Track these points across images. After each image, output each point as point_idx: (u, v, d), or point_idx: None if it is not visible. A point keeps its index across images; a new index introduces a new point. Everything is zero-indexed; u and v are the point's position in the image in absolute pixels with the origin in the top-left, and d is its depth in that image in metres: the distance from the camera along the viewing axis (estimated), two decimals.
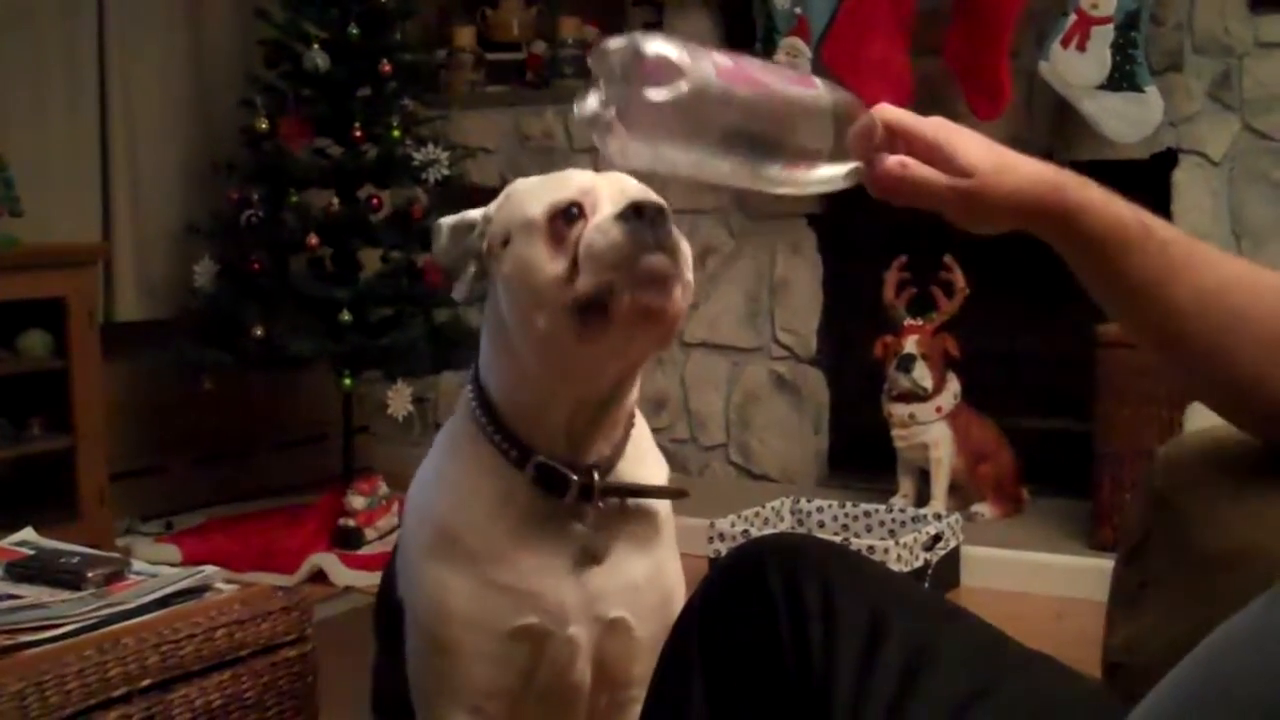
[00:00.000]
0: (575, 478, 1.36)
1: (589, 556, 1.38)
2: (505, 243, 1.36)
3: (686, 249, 1.34)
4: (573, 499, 1.36)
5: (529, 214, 1.33)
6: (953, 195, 1.13)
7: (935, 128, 1.15)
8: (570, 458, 1.37)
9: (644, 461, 1.45)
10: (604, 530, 1.39)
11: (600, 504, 1.38)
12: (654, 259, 1.28)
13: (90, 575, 1.47)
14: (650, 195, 1.35)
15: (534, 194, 1.36)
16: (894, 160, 1.14)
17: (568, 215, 1.31)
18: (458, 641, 1.36)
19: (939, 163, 1.14)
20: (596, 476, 1.37)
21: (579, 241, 1.29)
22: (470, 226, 1.40)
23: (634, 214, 1.28)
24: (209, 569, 1.54)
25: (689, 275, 1.33)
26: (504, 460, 1.37)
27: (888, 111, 1.15)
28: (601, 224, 1.29)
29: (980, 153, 1.14)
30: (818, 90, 1.13)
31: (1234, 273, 1.12)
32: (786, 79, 1.12)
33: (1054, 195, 1.14)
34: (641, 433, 1.47)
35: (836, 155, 1.15)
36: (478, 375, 1.43)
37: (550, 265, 1.30)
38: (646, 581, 1.42)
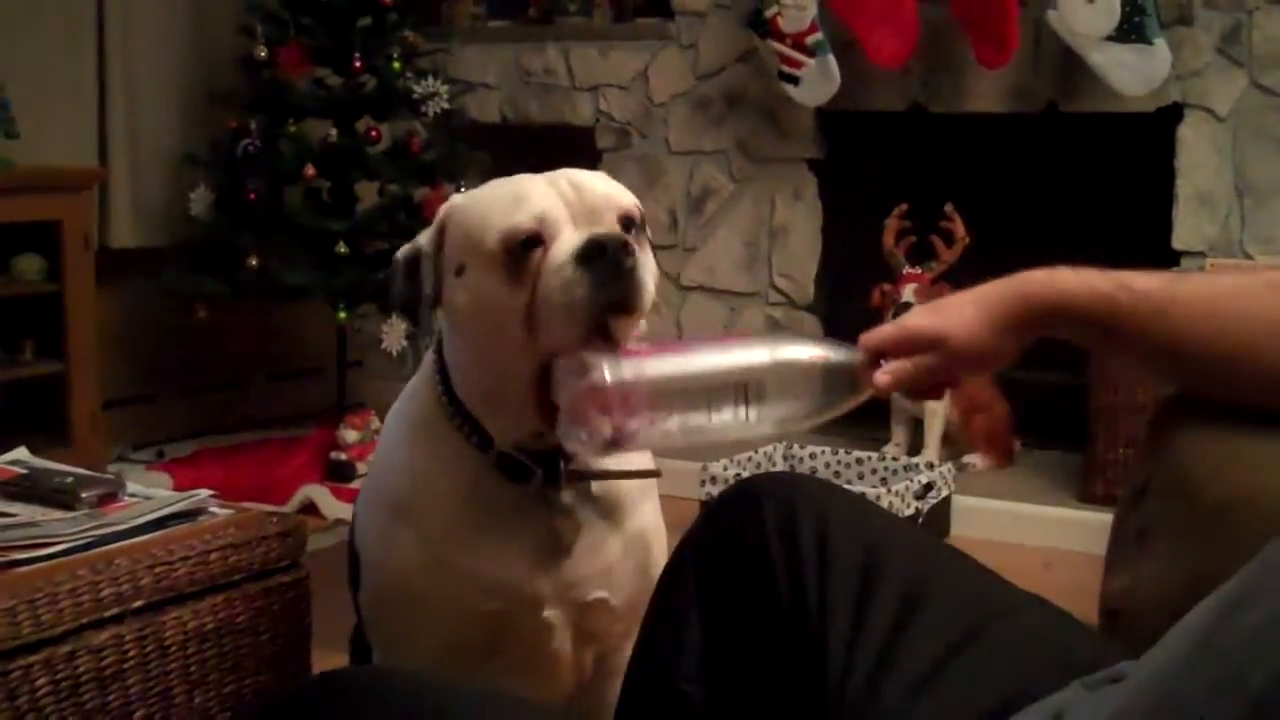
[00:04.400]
0: (539, 469, 1.31)
1: (559, 544, 1.34)
2: (459, 271, 1.27)
3: (648, 269, 1.25)
4: (537, 487, 1.31)
5: (484, 245, 1.24)
6: (944, 363, 1.19)
7: (898, 329, 1.22)
8: (537, 445, 1.31)
9: None
10: (572, 517, 1.34)
11: (567, 492, 1.33)
12: (618, 324, 1.20)
13: (84, 495, 1.47)
14: (610, 223, 1.26)
15: (486, 220, 1.25)
16: (881, 374, 1.20)
17: (526, 244, 1.23)
18: (417, 617, 1.34)
19: (921, 349, 1.20)
20: (563, 465, 1.31)
21: (539, 272, 1.21)
22: (418, 256, 1.31)
23: (596, 252, 1.20)
24: (203, 493, 1.53)
25: (650, 293, 1.25)
26: (469, 447, 1.32)
27: (863, 342, 1.23)
28: (562, 267, 1.20)
29: (939, 320, 1.20)
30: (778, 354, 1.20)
31: (1221, 287, 1.15)
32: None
33: (1025, 309, 1.18)
34: None
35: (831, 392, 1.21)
36: (441, 358, 1.36)
37: (509, 301, 1.22)
38: (622, 557, 1.39)
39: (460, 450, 1.32)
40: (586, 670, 1.44)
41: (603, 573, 1.37)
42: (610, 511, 1.38)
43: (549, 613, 1.35)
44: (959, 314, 1.19)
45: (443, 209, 1.32)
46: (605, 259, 1.20)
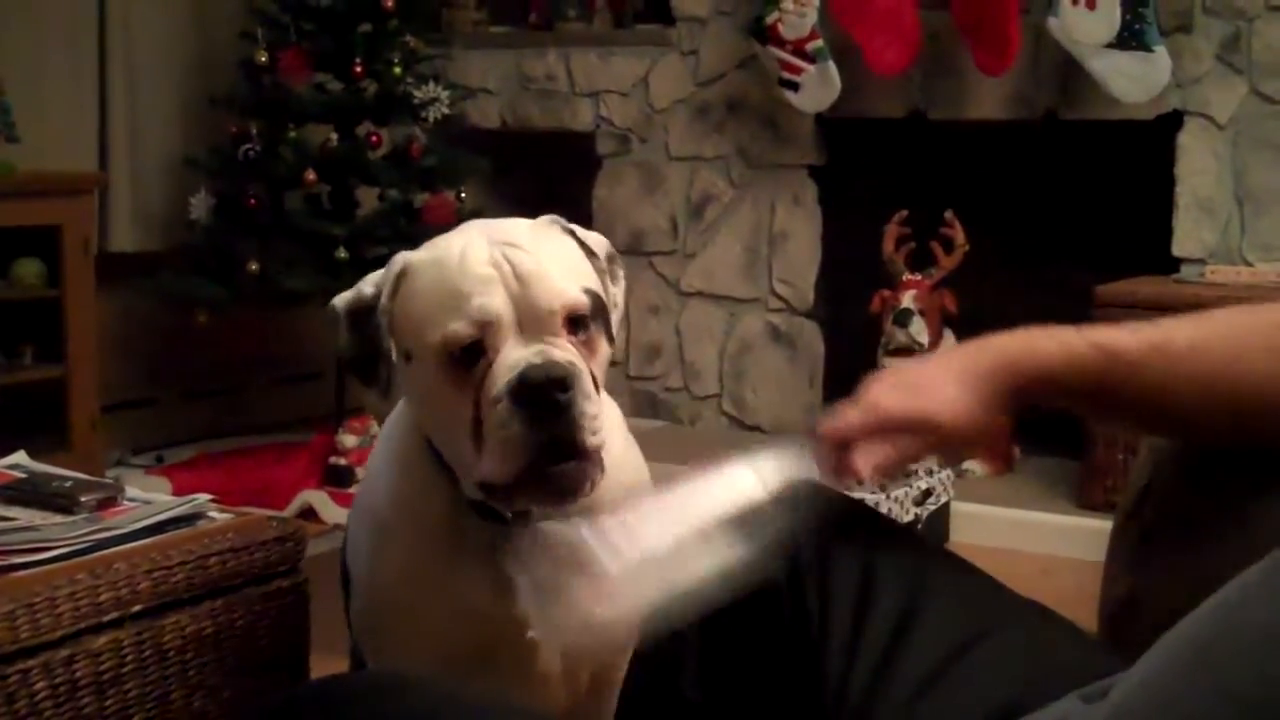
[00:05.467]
0: (509, 515, 1.25)
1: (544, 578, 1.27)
2: (408, 356, 1.21)
3: (595, 408, 1.16)
4: (507, 533, 1.26)
5: (426, 341, 1.17)
6: (934, 448, 1.12)
7: (869, 415, 1.12)
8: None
9: (612, 464, 1.29)
10: (527, 564, 1.27)
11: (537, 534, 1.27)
12: (560, 471, 1.14)
13: (83, 499, 1.46)
14: (555, 329, 1.17)
15: (430, 305, 1.18)
16: (861, 467, 1.10)
17: (469, 351, 1.15)
18: (405, 634, 1.32)
19: (898, 432, 1.10)
20: (534, 511, 1.25)
21: (484, 380, 1.15)
22: (370, 310, 1.22)
23: (528, 392, 1.13)
24: (202, 497, 1.53)
25: (600, 435, 1.16)
26: (445, 480, 1.27)
27: (829, 434, 1.13)
28: (498, 399, 1.13)
29: (921, 402, 1.10)
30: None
31: (1199, 331, 1.10)
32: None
33: (1012, 383, 1.10)
34: (613, 440, 1.30)
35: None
36: None
37: (455, 406, 1.16)
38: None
39: (438, 486, 1.28)
40: (582, 686, 1.42)
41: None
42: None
43: (534, 634, 1.33)
44: (943, 394, 1.09)
45: (397, 263, 1.23)
46: (540, 398, 1.13)
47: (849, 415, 1.12)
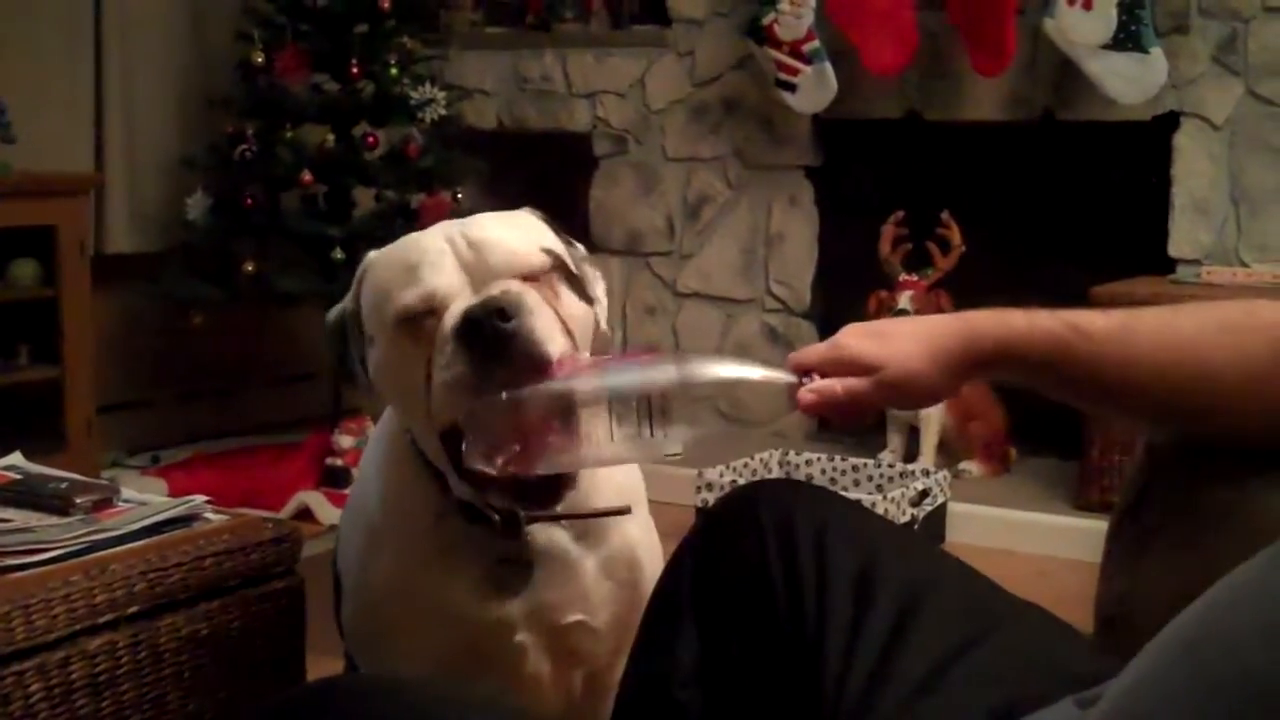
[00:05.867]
0: (496, 516, 1.27)
1: (523, 579, 1.31)
2: (371, 342, 1.26)
3: (545, 320, 1.18)
4: (497, 532, 1.28)
5: (384, 319, 1.22)
6: (878, 391, 1.14)
7: (831, 349, 1.17)
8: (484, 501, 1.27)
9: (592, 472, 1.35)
10: (523, 565, 1.31)
11: (527, 533, 1.29)
12: (503, 407, 1.14)
13: (78, 501, 1.46)
14: (508, 272, 1.21)
15: (385, 293, 1.23)
16: (805, 393, 1.16)
17: (419, 317, 1.20)
18: (396, 638, 1.33)
19: (855, 372, 1.15)
20: (521, 514, 1.27)
21: (432, 344, 1.19)
22: (344, 320, 1.30)
23: (471, 328, 1.15)
24: (198, 498, 1.53)
25: (553, 342, 1.18)
26: (432, 485, 1.30)
27: (794, 359, 1.19)
28: (443, 347, 1.17)
29: (876, 347, 1.15)
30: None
31: (1168, 316, 1.11)
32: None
33: (971, 350, 1.13)
34: None
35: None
36: None
37: (411, 374, 1.20)
38: (598, 578, 1.35)
39: (424, 486, 1.30)
40: (575, 690, 1.42)
41: (577, 596, 1.34)
42: (586, 533, 1.34)
43: (520, 637, 1.32)
44: (900, 345, 1.14)
45: (363, 262, 1.30)
46: (483, 332, 1.15)
47: (816, 348, 1.18)
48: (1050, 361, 1.10)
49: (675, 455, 1.15)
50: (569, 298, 1.24)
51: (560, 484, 1.21)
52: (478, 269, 1.21)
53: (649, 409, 1.13)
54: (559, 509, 1.27)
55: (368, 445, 1.44)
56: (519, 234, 1.25)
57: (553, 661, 1.36)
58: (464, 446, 1.16)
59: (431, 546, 1.31)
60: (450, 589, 1.30)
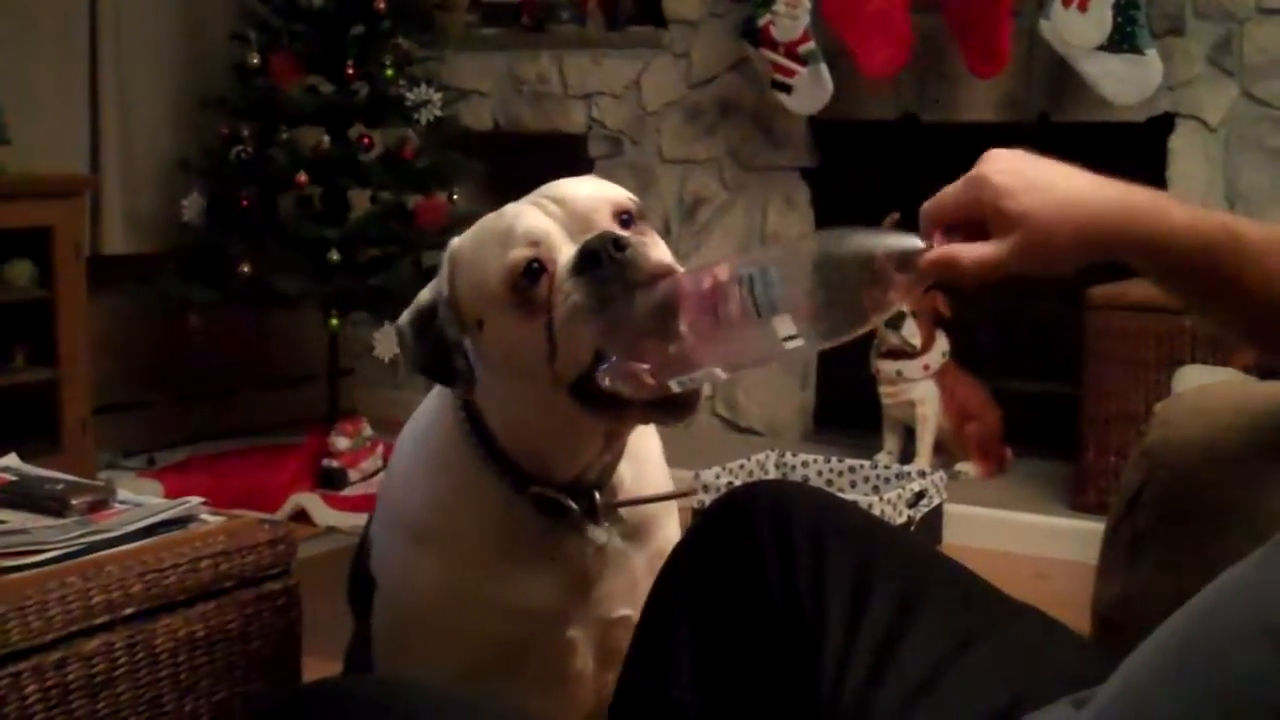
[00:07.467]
0: (575, 506, 1.29)
1: (587, 574, 1.33)
2: (480, 325, 1.25)
3: (656, 246, 1.21)
4: (574, 521, 1.30)
5: (492, 292, 1.22)
6: (1011, 259, 1.03)
7: (967, 186, 1.08)
8: (571, 480, 1.30)
9: (642, 457, 1.38)
10: (602, 551, 1.33)
11: (599, 530, 1.32)
12: (635, 318, 1.14)
13: (74, 502, 1.46)
14: (605, 224, 1.22)
15: (485, 266, 1.23)
16: (928, 261, 1.06)
17: (529, 274, 1.20)
18: (435, 643, 1.33)
19: (993, 218, 1.05)
20: (598, 497, 1.30)
21: (550, 303, 1.19)
22: (432, 312, 1.28)
23: (589, 259, 1.17)
24: (194, 500, 1.53)
25: (665, 257, 1.20)
26: (498, 482, 1.30)
27: (926, 214, 1.10)
28: (562, 286, 1.18)
29: (1023, 194, 1.05)
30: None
31: None
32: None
33: (1122, 234, 1.04)
34: (650, 440, 1.41)
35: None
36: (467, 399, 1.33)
37: (529, 340, 1.20)
38: (646, 575, 1.35)
39: (488, 485, 1.30)
40: (607, 690, 1.43)
41: (627, 590, 1.36)
42: (635, 530, 1.37)
43: (573, 632, 1.34)
44: (1048, 199, 1.04)
45: (447, 252, 1.29)
46: (600, 261, 1.16)
47: (953, 187, 1.09)
48: (1205, 264, 1.02)
49: (796, 342, 1.07)
50: (661, 245, 1.25)
51: (697, 395, 1.20)
52: (571, 221, 1.23)
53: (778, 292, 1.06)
54: (614, 500, 1.32)
55: (399, 447, 1.42)
56: (597, 185, 1.28)
57: (596, 658, 1.37)
58: (600, 376, 1.15)
59: (493, 541, 1.31)
60: (512, 581, 1.31)
